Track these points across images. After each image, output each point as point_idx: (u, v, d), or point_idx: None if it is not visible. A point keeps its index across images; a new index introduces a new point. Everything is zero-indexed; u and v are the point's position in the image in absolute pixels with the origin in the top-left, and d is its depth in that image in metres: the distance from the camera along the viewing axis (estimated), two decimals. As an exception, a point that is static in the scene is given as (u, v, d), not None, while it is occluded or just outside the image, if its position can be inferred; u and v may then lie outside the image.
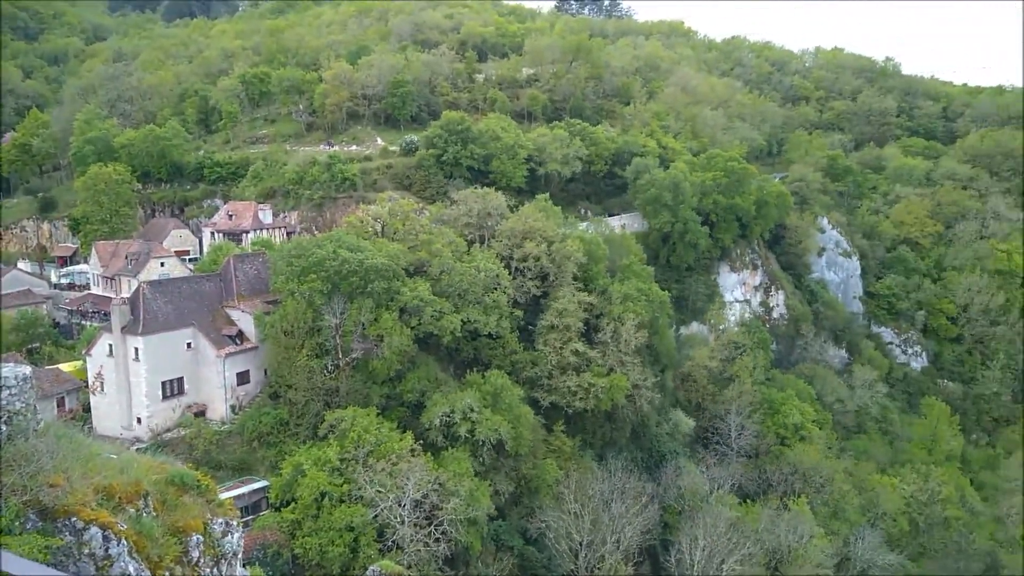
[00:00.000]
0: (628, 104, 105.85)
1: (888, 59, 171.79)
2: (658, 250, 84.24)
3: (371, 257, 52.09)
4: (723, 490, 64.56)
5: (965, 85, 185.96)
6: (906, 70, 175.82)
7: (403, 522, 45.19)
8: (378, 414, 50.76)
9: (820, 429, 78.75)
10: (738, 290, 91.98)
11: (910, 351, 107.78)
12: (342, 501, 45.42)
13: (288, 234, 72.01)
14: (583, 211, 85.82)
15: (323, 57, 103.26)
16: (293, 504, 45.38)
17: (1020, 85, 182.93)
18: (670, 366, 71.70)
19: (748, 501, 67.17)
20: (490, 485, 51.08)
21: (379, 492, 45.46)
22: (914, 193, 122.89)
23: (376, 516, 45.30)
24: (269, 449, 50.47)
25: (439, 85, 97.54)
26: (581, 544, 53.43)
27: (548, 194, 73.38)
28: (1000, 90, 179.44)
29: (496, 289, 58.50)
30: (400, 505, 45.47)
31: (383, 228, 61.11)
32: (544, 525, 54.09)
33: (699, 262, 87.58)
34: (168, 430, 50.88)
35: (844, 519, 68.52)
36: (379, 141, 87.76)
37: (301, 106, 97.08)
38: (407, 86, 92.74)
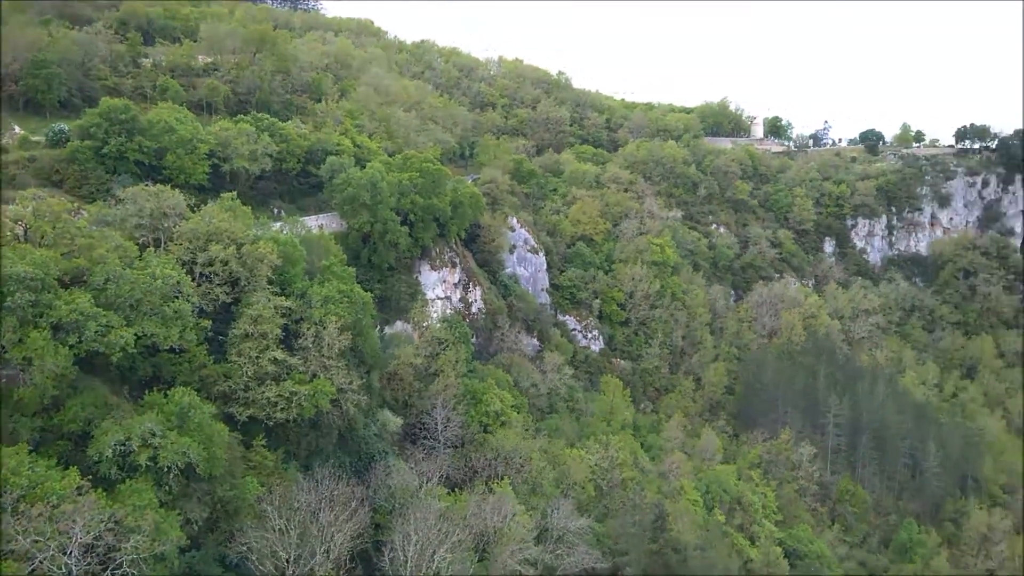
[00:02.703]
0: (320, 101, 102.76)
1: (561, 73, 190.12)
2: (359, 250, 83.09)
3: (10, 266, 43.55)
4: (432, 483, 65.69)
5: (623, 100, 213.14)
6: (576, 84, 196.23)
7: (70, 572, 38.65)
8: (30, 451, 42.64)
9: (518, 413, 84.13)
10: (439, 288, 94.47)
11: (590, 335, 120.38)
12: (-17, 562, 37.35)
13: None
14: (276, 211, 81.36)
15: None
16: (-91, 578, 36.32)
17: (664, 102, 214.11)
18: (376, 366, 71.02)
19: (456, 490, 69.32)
20: (180, 514, 45.99)
21: (36, 542, 38.29)
22: (587, 195, 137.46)
23: (33, 570, 38.10)
24: None
25: (95, 68, 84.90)
26: (288, 561, 50.52)
27: (235, 193, 67.97)
28: (650, 106, 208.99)
29: (177, 298, 52.68)
30: (65, 553, 38.74)
31: (26, 232, 51.56)
32: (246, 548, 50.14)
33: (400, 261, 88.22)
34: None
35: (541, 494, 73.93)
36: (17, 129, 73.86)
37: (-100, 84, 77.95)
38: (52, 67, 79.33)
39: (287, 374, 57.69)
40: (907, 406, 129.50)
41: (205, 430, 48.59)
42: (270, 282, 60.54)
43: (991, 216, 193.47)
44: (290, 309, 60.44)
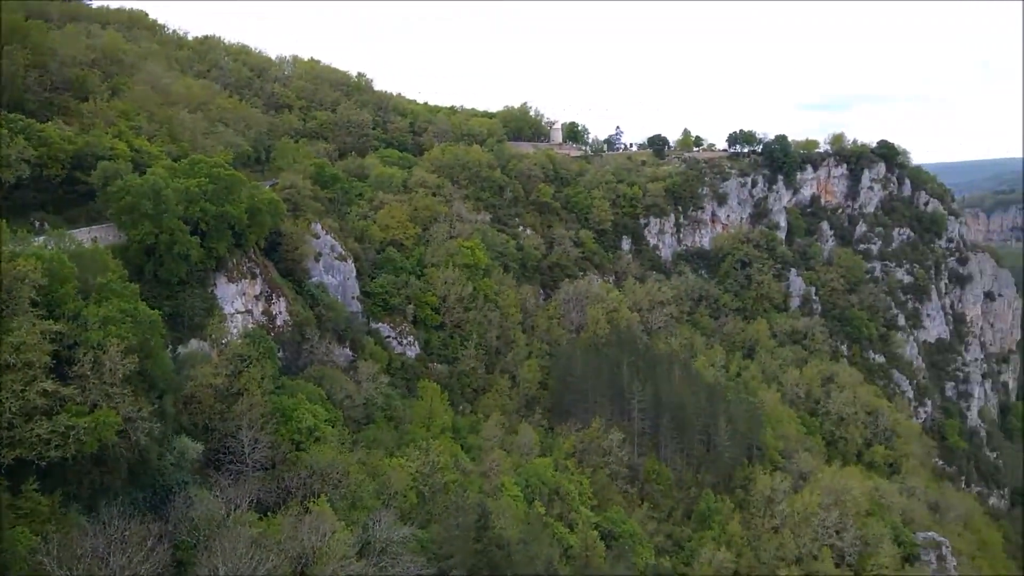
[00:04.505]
0: (86, 100, 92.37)
1: (361, 75, 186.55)
2: (142, 264, 75.42)
3: None
4: (241, 509, 61.14)
5: (426, 104, 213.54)
6: (377, 86, 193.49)
7: None
8: None
9: (333, 427, 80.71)
10: (238, 301, 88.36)
11: (405, 341, 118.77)
12: None
13: None
14: (38, 224, 71.87)
15: None
16: None
17: (467, 107, 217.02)
18: (169, 390, 64.67)
19: (270, 514, 64.91)
20: (-74, 584, 39.35)
21: None
22: (395, 199, 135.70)
23: None
24: None
25: None
26: (70, 619, 44.47)
27: (-15, 203, 59.32)
28: (453, 110, 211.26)
29: (-90, 327, 44.63)
30: None
31: None
32: (16, 611, 43.43)
33: (193, 275, 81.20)
34: None
35: (362, 507, 71.39)
36: None
37: None
38: None
39: (61, 406, 50.98)
40: (700, 387, 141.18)
41: (-45, 480, 41.79)
42: (34, 304, 53.27)
43: (760, 212, 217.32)
44: (61, 333, 53.50)
